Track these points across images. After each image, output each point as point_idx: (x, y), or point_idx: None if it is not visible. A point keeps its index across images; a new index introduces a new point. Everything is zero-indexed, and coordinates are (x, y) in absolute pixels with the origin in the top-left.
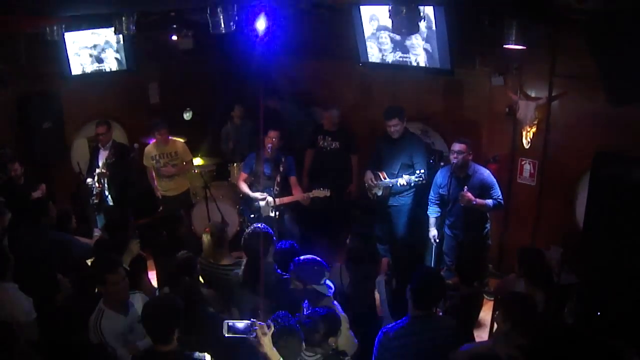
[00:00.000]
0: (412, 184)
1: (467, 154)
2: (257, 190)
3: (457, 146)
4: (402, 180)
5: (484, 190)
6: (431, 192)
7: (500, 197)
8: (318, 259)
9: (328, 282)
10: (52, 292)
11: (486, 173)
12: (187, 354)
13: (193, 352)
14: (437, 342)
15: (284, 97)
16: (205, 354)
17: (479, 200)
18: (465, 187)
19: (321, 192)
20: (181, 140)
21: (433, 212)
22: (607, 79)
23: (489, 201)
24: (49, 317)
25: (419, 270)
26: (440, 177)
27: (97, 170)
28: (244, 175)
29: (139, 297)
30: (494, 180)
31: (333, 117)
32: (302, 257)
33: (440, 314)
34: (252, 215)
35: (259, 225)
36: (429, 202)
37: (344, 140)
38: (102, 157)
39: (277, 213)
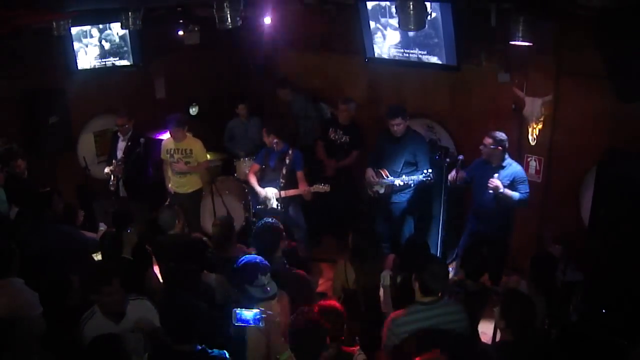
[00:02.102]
0: (418, 183)
1: (494, 147)
2: (265, 182)
3: (485, 139)
4: (408, 179)
5: (514, 183)
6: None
7: (527, 193)
8: (257, 260)
9: (267, 284)
10: (61, 287)
11: (519, 167)
12: (205, 351)
13: (212, 349)
14: (444, 327)
15: (295, 89)
16: (225, 351)
17: (506, 190)
18: (496, 174)
19: (321, 188)
20: (198, 140)
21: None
22: (614, 75)
23: (516, 194)
24: (58, 314)
25: (425, 257)
26: (476, 162)
27: (114, 162)
28: (255, 166)
29: (143, 306)
30: (526, 176)
31: (350, 110)
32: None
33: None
34: (259, 207)
35: (270, 219)
36: None
37: (354, 135)
38: (121, 147)
39: (281, 205)
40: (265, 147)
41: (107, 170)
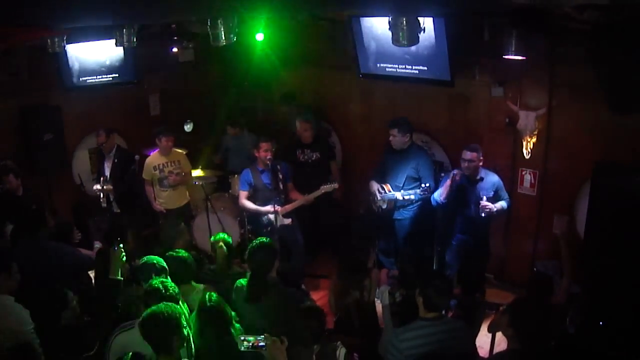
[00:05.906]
0: (418, 198)
1: (478, 161)
2: (263, 203)
3: (468, 154)
4: (405, 195)
5: (496, 192)
6: (436, 192)
7: (507, 196)
8: (154, 261)
9: None
10: (57, 306)
11: (495, 175)
12: None
13: None
14: (447, 344)
15: (293, 104)
16: None
17: (497, 206)
18: (484, 197)
19: (330, 187)
20: (181, 151)
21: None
22: (607, 88)
23: (504, 203)
24: (53, 334)
25: (429, 273)
26: (450, 179)
27: (102, 179)
28: (245, 193)
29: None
30: (501, 181)
31: (297, 128)
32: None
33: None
34: (265, 230)
35: (263, 239)
36: (432, 197)
37: (323, 150)
38: (108, 164)
39: (290, 219)
40: (249, 169)
41: (95, 187)
